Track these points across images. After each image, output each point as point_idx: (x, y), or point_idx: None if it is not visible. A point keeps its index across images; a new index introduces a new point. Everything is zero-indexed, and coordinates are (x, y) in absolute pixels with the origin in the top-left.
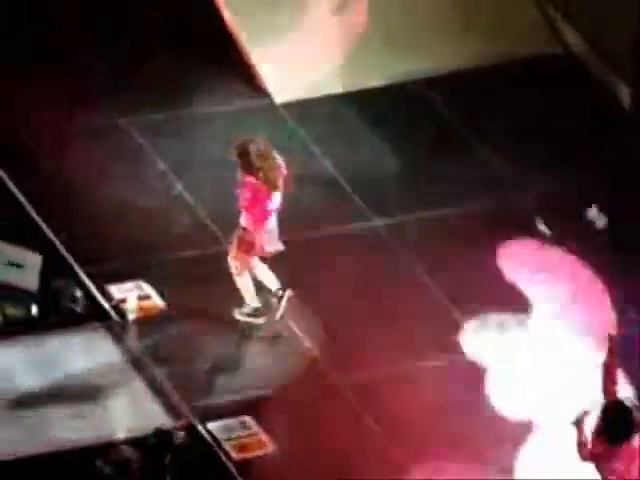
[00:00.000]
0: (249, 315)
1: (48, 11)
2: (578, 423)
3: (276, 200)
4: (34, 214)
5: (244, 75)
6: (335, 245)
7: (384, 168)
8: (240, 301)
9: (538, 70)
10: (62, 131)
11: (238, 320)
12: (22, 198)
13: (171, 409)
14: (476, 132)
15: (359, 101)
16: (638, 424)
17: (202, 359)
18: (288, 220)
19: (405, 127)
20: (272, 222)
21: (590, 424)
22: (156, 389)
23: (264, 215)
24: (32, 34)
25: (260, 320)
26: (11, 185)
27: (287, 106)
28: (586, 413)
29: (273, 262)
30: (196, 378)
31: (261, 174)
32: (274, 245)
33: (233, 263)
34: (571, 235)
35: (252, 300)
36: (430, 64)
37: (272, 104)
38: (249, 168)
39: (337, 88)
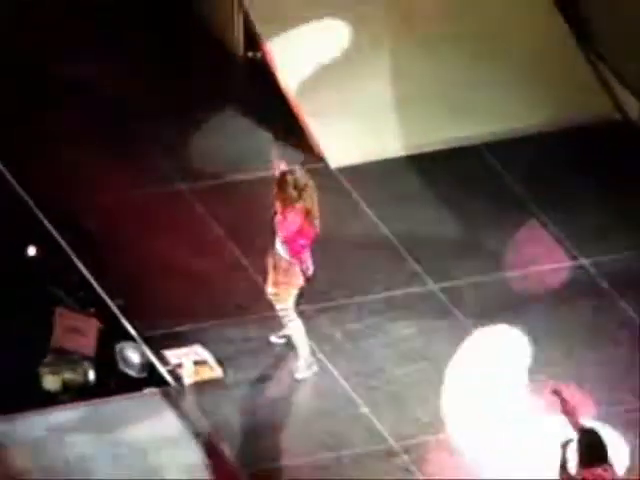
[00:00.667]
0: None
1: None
2: (563, 448)
3: (315, 229)
4: (92, 280)
5: (299, 139)
6: (387, 308)
7: (440, 232)
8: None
9: (597, 136)
10: (120, 198)
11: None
12: (80, 264)
13: None
14: (535, 197)
15: (416, 164)
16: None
17: (259, 425)
18: (340, 283)
19: (462, 191)
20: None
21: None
22: (213, 455)
23: (305, 245)
24: (98, 97)
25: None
26: (69, 251)
27: (342, 170)
28: (570, 440)
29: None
30: (255, 443)
31: (300, 204)
32: (308, 272)
33: (274, 291)
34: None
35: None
36: (490, 129)
37: (327, 168)
38: (288, 199)
39: (394, 152)
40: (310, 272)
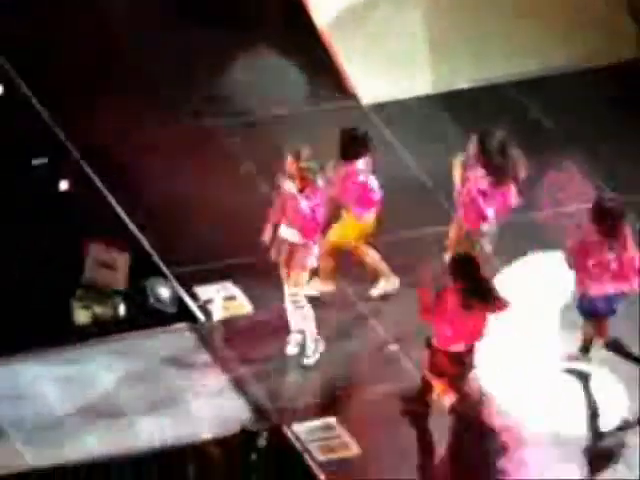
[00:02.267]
0: (314, 354)
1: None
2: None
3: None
4: (124, 215)
5: (332, 76)
6: (416, 247)
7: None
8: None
9: (628, 74)
10: (152, 134)
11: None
12: (112, 200)
13: (256, 410)
14: (566, 135)
15: (447, 103)
16: None
17: (287, 360)
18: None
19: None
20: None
21: None
22: (241, 390)
23: (318, 227)
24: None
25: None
26: (102, 187)
27: (374, 107)
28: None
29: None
30: (281, 379)
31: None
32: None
33: (286, 274)
34: None
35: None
36: (521, 68)
37: (359, 105)
38: (307, 180)
39: (425, 90)
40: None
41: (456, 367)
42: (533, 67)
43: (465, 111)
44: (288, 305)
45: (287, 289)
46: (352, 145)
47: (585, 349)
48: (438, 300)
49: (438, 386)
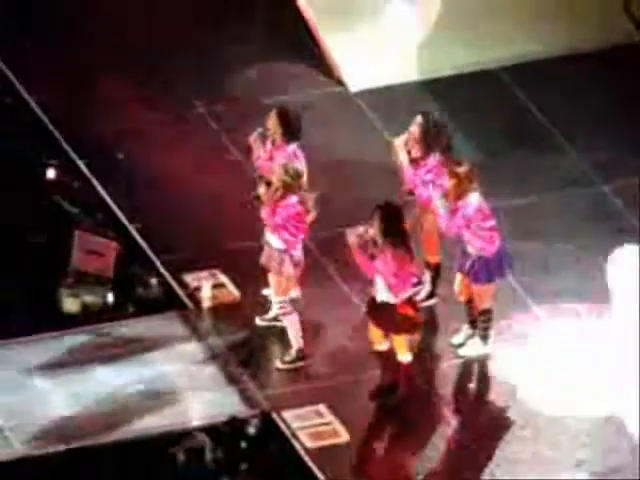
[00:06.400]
0: (291, 362)
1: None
2: None
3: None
4: (112, 203)
5: (319, 64)
6: None
7: (456, 155)
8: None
9: (618, 59)
10: (140, 121)
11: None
12: (100, 188)
13: (245, 397)
14: (554, 120)
15: (433, 89)
16: None
17: (276, 347)
18: (359, 206)
19: (480, 115)
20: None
21: None
22: (231, 377)
23: (299, 234)
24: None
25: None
26: (89, 175)
27: (360, 94)
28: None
29: None
30: (270, 366)
31: (297, 191)
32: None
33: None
34: None
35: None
36: (508, 53)
37: (346, 92)
38: (286, 186)
39: (412, 76)
40: (301, 263)
41: (415, 311)
42: (521, 52)
43: (451, 97)
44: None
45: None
46: (287, 127)
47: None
48: (379, 255)
49: (400, 343)
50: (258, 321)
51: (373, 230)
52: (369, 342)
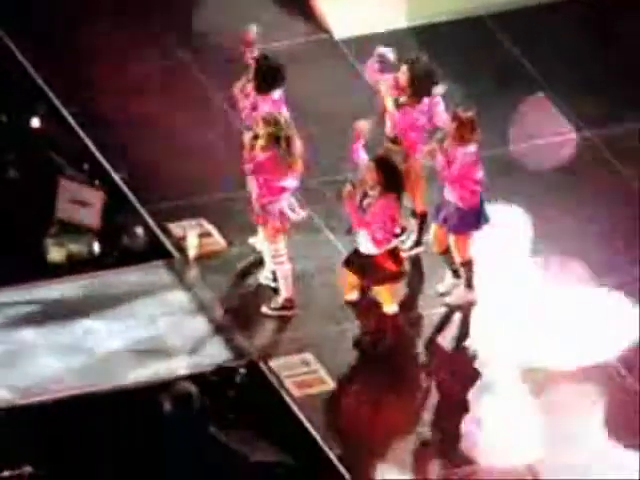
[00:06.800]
0: (278, 309)
1: None
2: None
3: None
4: (97, 152)
5: (304, 11)
6: None
7: (447, 104)
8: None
9: (605, 8)
10: (122, 69)
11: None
12: (85, 137)
13: (232, 346)
14: (541, 68)
15: (421, 36)
16: None
17: (263, 297)
18: (344, 157)
19: (469, 62)
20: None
21: None
22: (217, 326)
23: (283, 188)
24: None
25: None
26: (74, 124)
27: (346, 41)
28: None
29: None
30: (257, 315)
31: (284, 145)
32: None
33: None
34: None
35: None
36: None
37: (331, 39)
38: (276, 138)
39: (399, 23)
40: (298, 214)
41: (397, 262)
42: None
43: (439, 45)
44: (266, 254)
45: (267, 244)
46: (267, 76)
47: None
48: (373, 207)
49: (384, 294)
50: (264, 309)
51: (365, 181)
52: (343, 291)
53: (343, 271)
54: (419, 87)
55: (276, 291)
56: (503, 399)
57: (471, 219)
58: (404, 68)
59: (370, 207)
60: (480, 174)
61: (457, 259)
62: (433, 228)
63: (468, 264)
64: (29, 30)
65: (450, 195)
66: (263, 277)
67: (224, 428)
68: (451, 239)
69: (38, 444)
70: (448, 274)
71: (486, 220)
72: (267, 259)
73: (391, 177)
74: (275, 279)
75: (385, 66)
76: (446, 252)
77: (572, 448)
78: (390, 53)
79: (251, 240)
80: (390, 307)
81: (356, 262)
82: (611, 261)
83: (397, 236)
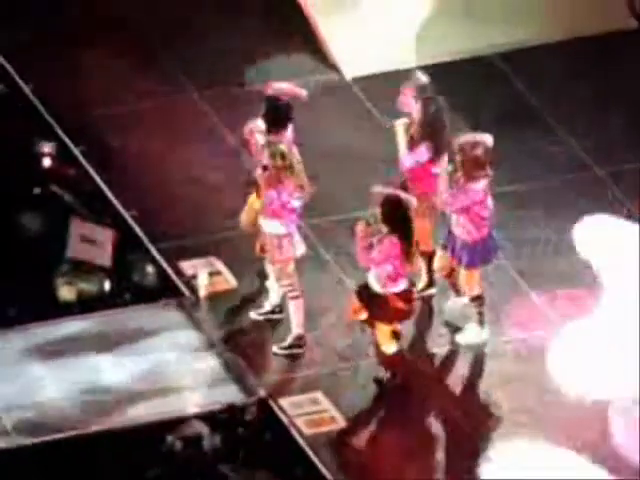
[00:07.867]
0: (288, 348)
1: None
2: None
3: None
4: (107, 191)
5: (315, 50)
6: None
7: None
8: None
9: (614, 45)
10: (135, 107)
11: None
12: (95, 175)
13: (243, 385)
14: (550, 107)
15: (430, 76)
16: None
17: (273, 335)
18: (356, 196)
19: (478, 101)
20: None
21: None
22: (228, 365)
23: (295, 217)
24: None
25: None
26: (85, 162)
27: (357, 81)
28: None
29: None
30: (267, 353)
31: (289, 173)
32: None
33: (273, 269)
34: None
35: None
36: (506, 38)
37: (342, 79)
38: (281, 170)
39: (409, 62)
40: (301, 249)
41: (406, 303)
42: (519, 37)
43: (449, 83)
44: (273, 286)
45: (276, 279)
46: (276, 114)
47: None
48: (378, 246)
49: (386, 334)
50: (253, 315)
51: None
52: (349, 312)
53: (353, 298)
54: (433, 126)
55: (273, 322)
56: (515, 441)
57: (475, 254)
58: (420, 106)
59: (377, 245)
60: (487, 213)
61: (467, 294)
62: (439, 254)
63: (477, 299)
64: (39, 65)
65: (454, 226)
66: (256, 313)
67: (234, 466)
68: (461, 273)
69: None
70: (452, 297)
71: (493, 255)
72: (272, 294)
73: (397, 218)
74: (273, 312)
75: (419, 95)
76: (451, 275)
77: None
78: (424, 77)
79: (268, 283)
80: (388, 347)
81: (366, 296)
82: None
83: (413, 284)
